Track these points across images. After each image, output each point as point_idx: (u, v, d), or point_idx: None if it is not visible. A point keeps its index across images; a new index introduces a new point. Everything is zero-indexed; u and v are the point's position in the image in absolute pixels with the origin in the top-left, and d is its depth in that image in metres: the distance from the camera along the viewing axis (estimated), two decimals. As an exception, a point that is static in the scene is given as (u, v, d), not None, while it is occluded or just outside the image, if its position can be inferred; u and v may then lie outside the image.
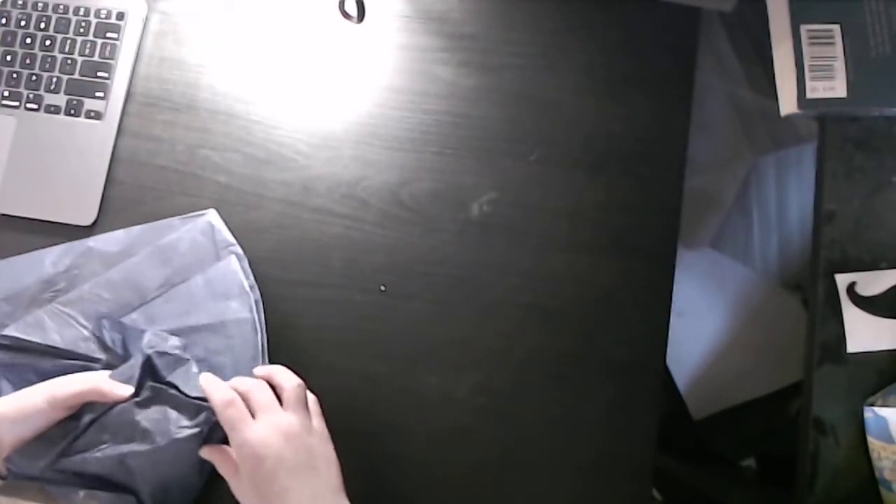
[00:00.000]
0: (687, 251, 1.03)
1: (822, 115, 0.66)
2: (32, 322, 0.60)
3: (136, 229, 0.65)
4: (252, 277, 0.63)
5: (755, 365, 1.04)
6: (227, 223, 0.66)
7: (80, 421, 0.54)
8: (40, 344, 0.59)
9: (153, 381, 0.56)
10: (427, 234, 0.67)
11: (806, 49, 0.64)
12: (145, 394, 0.55)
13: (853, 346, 0.63)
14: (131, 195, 0.68)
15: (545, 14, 0.70)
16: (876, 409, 0.60)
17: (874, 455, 0.61)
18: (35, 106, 0.69)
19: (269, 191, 0.68)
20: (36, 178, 0.68)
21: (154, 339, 0.57)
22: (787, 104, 0.65)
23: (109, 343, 0.60)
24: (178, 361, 0.57)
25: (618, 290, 0.66)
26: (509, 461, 0.64)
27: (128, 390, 0.54)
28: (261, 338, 0.61)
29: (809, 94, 0.64)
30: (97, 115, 0.68)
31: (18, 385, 0.60)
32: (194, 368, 0.57)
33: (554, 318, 0.65)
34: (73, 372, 0.59)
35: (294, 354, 0.63)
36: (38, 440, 0.53)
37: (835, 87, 0.64)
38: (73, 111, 0.68)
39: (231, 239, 0.64)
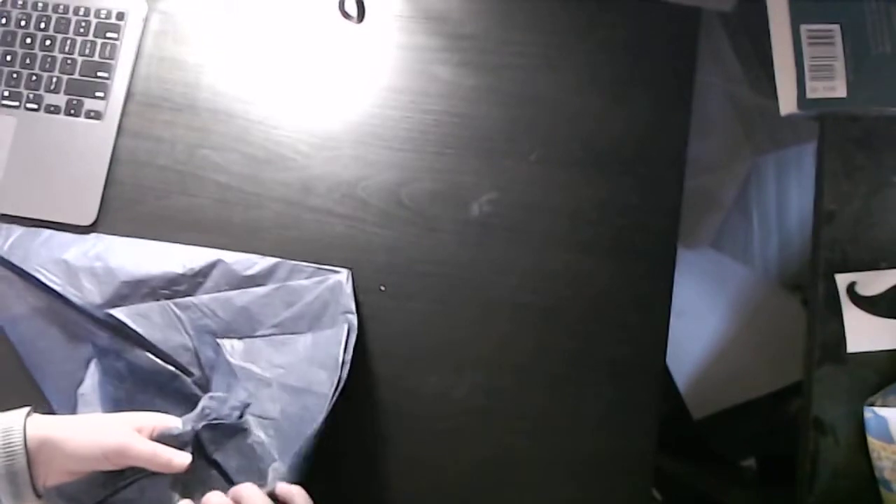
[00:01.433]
0: (687, 251, 1.03)
1: (822, 115, 0.66)
2: (143, 311, 0.60)
3: (271, 261, 0.64)
4: (351, 353, 0.60)
5: (755, 365, 1.04)
6: (229, 223, 0.66)
7: (123, 474, 0.52)
8: (141, 336, 0.59)
9: (198, 453, 0.53)
10: (427, 234, 0.67)
11: (806, 49, 0.64)
12: (190, 468, 0.52)
13: (853, 346, 0.63)
14: (131, 195, 0.68)
15: (545, 14, 0.70)
16: (876, 409, 0.60)
17: (874, 455, 0.61)
18: (35, 106, 0.69)
19: (268, 190, 0.68)
20: (36, 178, 0.68)
21: (209, 406, 0.54)
22: (787, 104, 0.65)
23: (202, 360, 0.59)
24: (235, 431, 0.54)
25: (618, 290, 0.66)
26: (509, 461, 0.64)
27: (185, 459, 0.52)
28: (324, 420, 0.56)
29: (809, 94, 0.64)
30: (97, 115, 0.68)
31: (106, 372, 0.60)
32: (250, 439, 0.55)
33: (554, 318, 0.65)
34: (162, 373, 0.59)
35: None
36: (80, 482, 0.51)
37: (835, 87, 0.64)
38: (73, 111, 0.68)
39: (352, 306, 0.62)
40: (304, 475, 0.54)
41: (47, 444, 0.49)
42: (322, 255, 0.66)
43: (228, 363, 0.59)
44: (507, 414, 0.64)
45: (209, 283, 0.63)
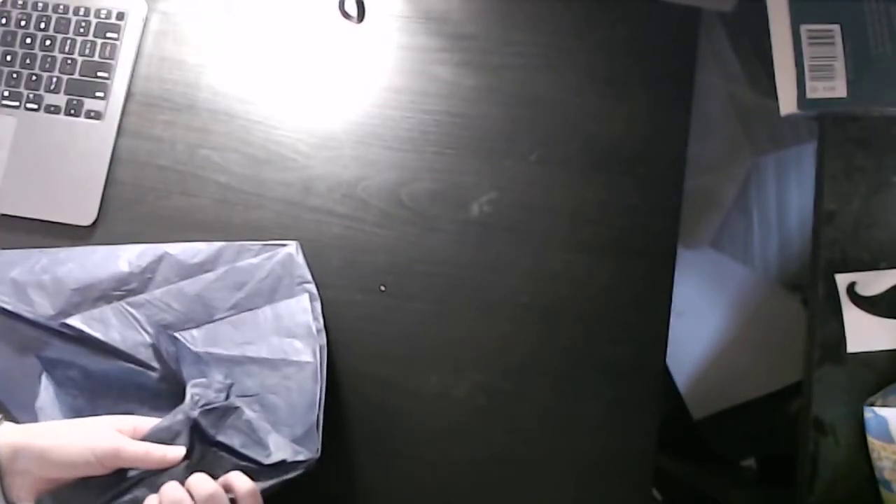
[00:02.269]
0: (687, 251, 1.03)
1: (822, 115, 0.66)
2: (98, 316, 0.60)
3: (216, 245, 0.63)
4: (322, 321, 0.60)
5: (755, 365, 1.04)
6: (229, 223, 0.66)
7: (124, 477, 0.51)
8: (100, 339, 0.59)
9: (201, 439, 0.53)
10: (427, 234, 0.67)
11: (806, 49, 0.64)
12: (195, 456, 0.52)
13: (853, 346, 0.63)
14: (131, 195, 0.68)
15: (545, 14, 0.70)
16: (876, 409, 0.60)
17: (874, 455, 0.61)
18: (35, 106, 0.69)
19: (268, 190, 0.68)
20: (36, 178, 0.68)
21: (197, 393, 0.54)
22: (787, 104, 0.65)
23: (164, 355, 0.59)
24: (227, 412, 0.54)
25: (618, 290, 0.66)
26: (509, 461, 0.64)
27: (179, 452, 0.51)
28: (320, 388, 0.56)
29: (809, 94, 0.64)
30: (97, 115, 0.68)
31: (61, 383, 0.60)
32: (245, 415, 0.55)
33: (554, 317, 0.65)
34: (127, 375, 0.59)
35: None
36: (77, 489, 0.50)
37: (835, 87, 0.64)
38: (73, 111, 0.68)
39: (307, 275, 0.62)
40: (312, 446, 0.55)
41: (24, 453, 0.48)
42: (322, 255, 0.66)
43: (193, 352, 0.58)
44: (507, 414, 0.64)
45: (159, 278, 0.62)
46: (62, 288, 0.61)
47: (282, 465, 0.54)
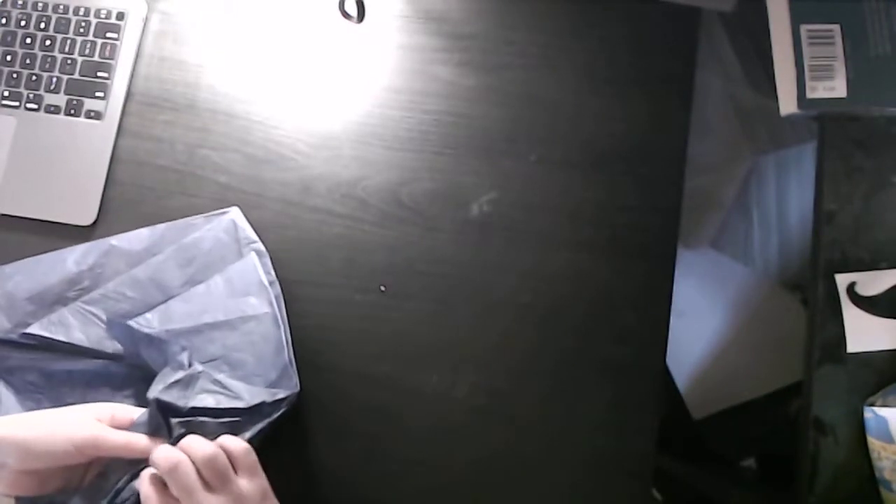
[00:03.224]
0: (687, 251, 1.03)
1: (822, 115, 0.66)
2: (56, 320, 0.60)
3: (160, 228, 0.65)
4: (273, 273, 0.62)
5: (755, 365, 1.04)
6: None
7: (118, 475, 0.51)
8: (64, 342, 0.59)
9: (175, 414, 0.53)
10: (427, 234, 0.67)
11: (806, 49, 0.64)
12: (174, 433, 0.52)
13: (853, 346, 0.63)
14: (131, 195, 0.68)
15: (545, 14, 0.70)
16: (876, 409, 0.60)
17: (874, 455, 0.61)
18: (35, 106, 0.69)
19: (268, 190, 0.68)
20: (36, 178, 0.68)
21: (160, 374, 0.54)
22: (787, 104, 0.65)
23: (121, 345, 0.59)
24: (192, 380, 0.54)
25: (618, 289, 0.66)
26: (509, 461, 0.64)
27: (160, 440, 0.51)
28: (283, 331, 0.60)
29: (809, 94, 0.64)
30: (97, 115, 0.68)
31: (21, 390, 0.60)
32: (214, 377, 0.55)
33: (554, 317, 0.65)
34: (93, 369, 0.59)
35: (294, 354, 0.63)
36: (76, 495, 0.50)
37: (835, 87, 0.64)
38: (73, 111, 0.68)
39: (253, 236, 0.64)
40: (289, 383, 0.57)
41: (2, 445, 0.47)
42: (322, 254, 0.66)
43: (149, 335, 0.58)
44: (506, 414, 0.64)
45: (109, 271, 0.63)
46: (14, 301, 0.61)
47: (263, 408, 0.55)
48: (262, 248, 0.64)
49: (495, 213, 0.67)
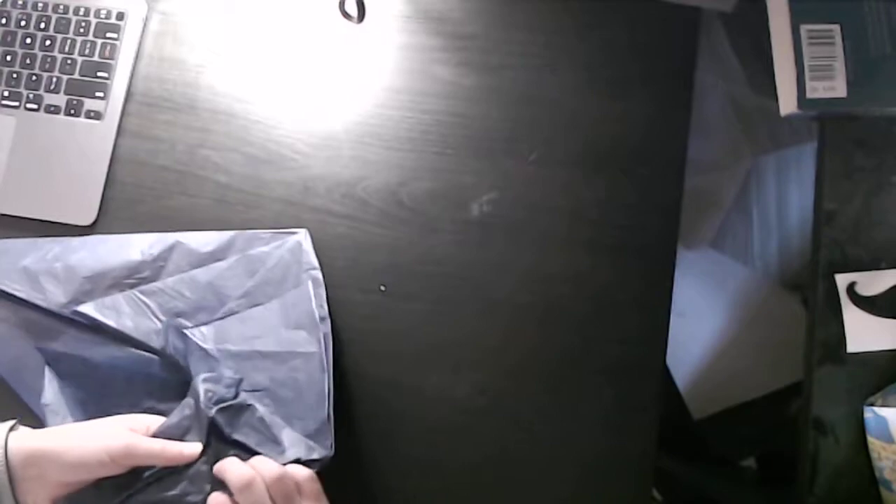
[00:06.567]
0: (687, 251, 1.03)
1: (822, 115, 0.66)
2: (110, 304, 0.60)
3: (228, 234, 0.64)
4: (326, 307, 0.60)
5: (755, 365, 1.04)
6: (229, 223, 0.66)
7: (139, 475, 0.51)
8: (112, 327, 0.59)
9: (218, 438, 0.53)
10: (427, 234, 0.67)
11: (806, 49, 0.64)
12: (210, 452, 0.52)
13: (853, 346, 0.63)
14: (131, 195, 0.68)
15: (545, 14, 0.70)
16: (876, 409, 0.60)
17: (874, 455, 0.61)
18: (35, 106, 0.69)
19: (268, 190, 0.68)
20: (36, 178, 0.68)
21: (210, 389, 0.54)
22: (787, 104, 0.65)
23: (171, 350, 0.59)
24: (241, 410, 0.54)
25: (618, 289, 0.66)
26: (509, 461, 0.64)
27: (196, 448, 0.51)
28: (328, 379, 0.57)
29: (809, 94, 0.64)
30: (97, 115, 0.68)
31: (64, 376, 0.60)
32: (259, 412, 0.55)
33: (553, 317, 0.65)
34: (136, 363, 0.59)
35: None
36: (91, 490, 0.50)
37: (835, 87, 0.64)
38: (73, 111, 0.68)
39: (314, 262, 0.62)
40: (325, 442, 0.55)
41: (38, 458, 0.47)
42: (322, 254, 0.66)
43: (202, 349, 0.58)
44: (507, 414, 0.64)
45: (171, 266, 0.63)
46: (74, 276, 0.61)
47: (297, 464, 0.54)
48: (320, 276, 0.62)
49: (495, 213, 0.67)
